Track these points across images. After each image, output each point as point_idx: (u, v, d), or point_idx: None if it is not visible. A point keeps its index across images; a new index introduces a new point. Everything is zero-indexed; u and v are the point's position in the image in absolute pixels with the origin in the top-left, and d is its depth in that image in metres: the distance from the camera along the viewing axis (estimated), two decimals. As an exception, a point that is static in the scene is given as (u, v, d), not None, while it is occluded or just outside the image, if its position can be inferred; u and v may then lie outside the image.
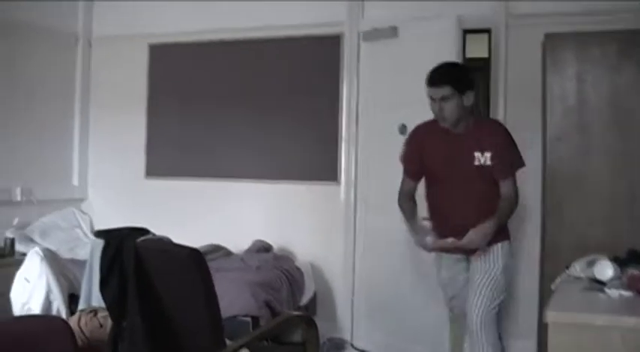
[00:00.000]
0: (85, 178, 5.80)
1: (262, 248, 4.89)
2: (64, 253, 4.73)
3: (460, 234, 3.16)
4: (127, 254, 3.08)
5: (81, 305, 3.96)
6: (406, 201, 3.43)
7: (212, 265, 3.17)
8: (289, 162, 5.16)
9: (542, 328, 2.81)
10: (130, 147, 5.65)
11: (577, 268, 2.91)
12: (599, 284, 2.65)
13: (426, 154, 3.37)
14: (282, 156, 5.18)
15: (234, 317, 3.92)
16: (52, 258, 4.18)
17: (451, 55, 3.98)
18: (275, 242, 4.99)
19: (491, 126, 3.39)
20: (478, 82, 3.23)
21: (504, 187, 3.26)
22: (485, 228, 3.16)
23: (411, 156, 3.44)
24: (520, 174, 3.31)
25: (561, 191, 3.97)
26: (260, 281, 4.28)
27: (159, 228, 3.94)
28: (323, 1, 5.02)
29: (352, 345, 4.79)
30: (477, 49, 4.76)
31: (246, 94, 5.27)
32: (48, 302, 4.08)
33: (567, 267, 3.00)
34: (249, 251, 4.88)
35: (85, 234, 5.28)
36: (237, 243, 4.99)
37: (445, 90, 3.16)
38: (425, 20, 4.46)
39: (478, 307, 3.24)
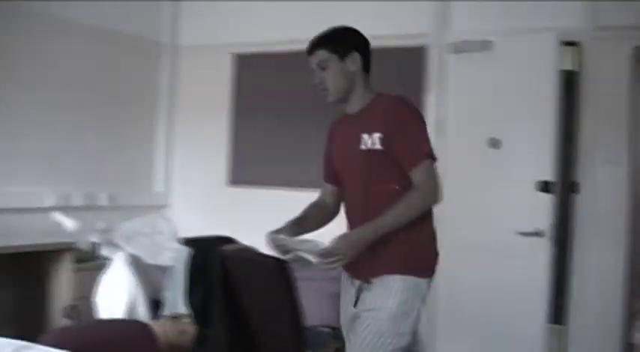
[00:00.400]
0: (168, 185, 5.90)
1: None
2: (147, 258, 4.78)
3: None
4: (213, 262, 3.09)
5: (164, 311, 4.00)
6: (310, 206, 2.79)
7: (295, 274, 3.15)
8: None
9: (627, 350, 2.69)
10: (213, 155, 5.72)
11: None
12: None
13: (331, 149, 2.80)
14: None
15: (314, 327, 3.89)
16: (136, 264, 4.24)
17: (548, 70, 3.88)
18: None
19: (389, 100, 2.62)
20: (363, 42, 2.69)
21: (413, 179, 2.47)
22: (355, 232, 2.46)
23: (324, 155, 2.85)
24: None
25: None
26: (338, 291, 4.23)
27: (240, 235, 3.93)
28: (407, 13, 4.95)
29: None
30: (565, 62, 4.63)
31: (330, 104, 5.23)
32: (132, 307, 4.13)
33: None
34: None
35: (168, 241, 5.33)
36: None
37: (321, 55, 2.61)
38: (522, 34, 4.38)
39: None
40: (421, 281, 2.51)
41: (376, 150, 2.49)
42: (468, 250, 4.40)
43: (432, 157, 2.50)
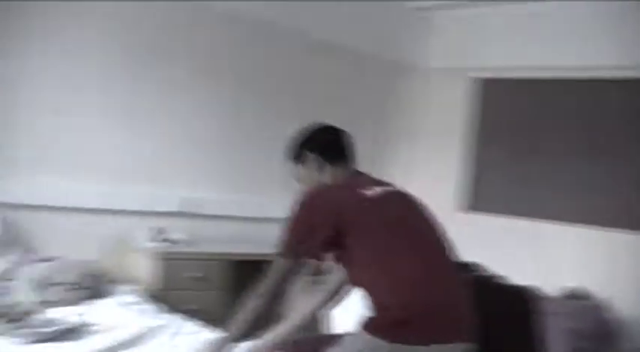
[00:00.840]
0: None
1: (578, 294, 4.68)
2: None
3: None
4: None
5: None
6: None
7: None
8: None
9: None
10: (446, 180, 5.73)
11: None
12: None
13: None
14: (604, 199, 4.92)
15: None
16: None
17: None
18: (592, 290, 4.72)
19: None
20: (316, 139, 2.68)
21: None
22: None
23: None
24: None
25: None
26: (572, 327, 4.12)
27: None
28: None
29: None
30: None
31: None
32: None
33: None
34: (564, 296, 4.71)
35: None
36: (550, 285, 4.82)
37: (291, 168, 2.71)
38: None
39: None
40: None
41: None
42: None
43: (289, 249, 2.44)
